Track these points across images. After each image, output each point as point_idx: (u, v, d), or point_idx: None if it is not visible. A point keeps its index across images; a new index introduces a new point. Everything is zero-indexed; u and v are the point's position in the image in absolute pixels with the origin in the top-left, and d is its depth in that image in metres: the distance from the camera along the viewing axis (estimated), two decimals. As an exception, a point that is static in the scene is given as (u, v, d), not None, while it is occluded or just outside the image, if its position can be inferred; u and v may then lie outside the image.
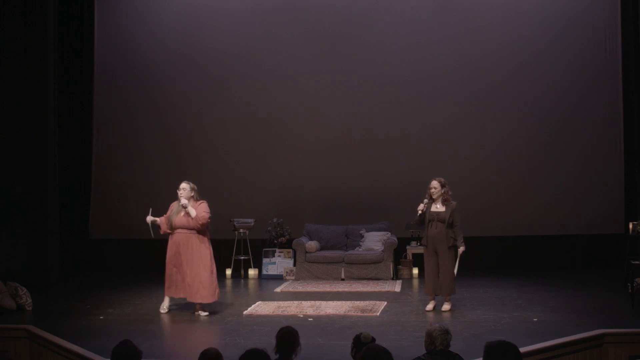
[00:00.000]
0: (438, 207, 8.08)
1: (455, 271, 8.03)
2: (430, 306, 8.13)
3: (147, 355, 5.59)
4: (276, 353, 4.54)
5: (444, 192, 8.06)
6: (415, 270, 10.76)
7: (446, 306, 8.08)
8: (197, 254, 8.06)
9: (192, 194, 8.17)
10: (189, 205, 8.05)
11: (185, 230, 8.08)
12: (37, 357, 6.72)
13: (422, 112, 11.69)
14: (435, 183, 8.13)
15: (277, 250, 11.14)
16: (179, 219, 8.12)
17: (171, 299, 8.34)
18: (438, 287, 8.07)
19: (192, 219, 8.03)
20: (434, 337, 4.62)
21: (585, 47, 11.43)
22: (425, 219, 8.09)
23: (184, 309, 8.43)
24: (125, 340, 4.39)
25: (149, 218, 8.22)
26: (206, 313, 8.09)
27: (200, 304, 8.12)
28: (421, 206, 8.09)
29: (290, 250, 11.06)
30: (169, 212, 8.23)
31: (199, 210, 8.05)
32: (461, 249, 8.02)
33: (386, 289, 9.66)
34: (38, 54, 10.26)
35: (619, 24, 11.30)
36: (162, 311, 8.21)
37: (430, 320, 7.49)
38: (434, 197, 8.10)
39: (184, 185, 8.21)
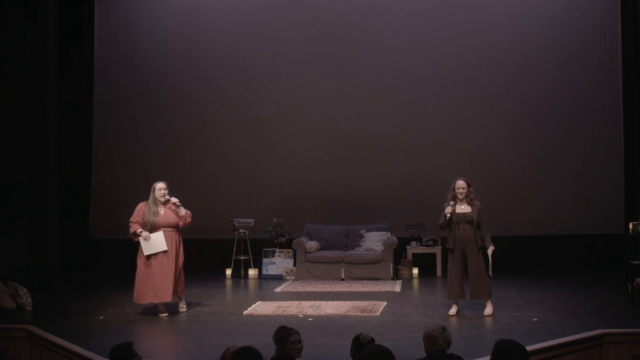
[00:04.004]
0: (463, 208, 7.75)
1: (491, 272, 7.77)
2: (453, 310, 7.84)
3: (147, 355, 5.60)
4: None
5: (470, 191, 7.76)
6: (415, 270, 10.76)
7: (489, 309, 7.76)
8: (179, 250, 8.17)
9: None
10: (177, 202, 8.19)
11: (171, 229, 8.11)
12: (37, 357, 6.72)
13: (421, 113, 11.70)
14: (462, 183, 7.75)
15: (277, 250, 11.14)
16: (166, 217, 8.09)
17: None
18: (462, 292, 7.80)
19: (181, 216, 8.13)
20: (436, 337, 4.44)
21: (585, 48, 11.44)
22: (452, 222, 7.75)
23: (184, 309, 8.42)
24: (125, 342, 4.38)
25: (146, 234, 7.99)
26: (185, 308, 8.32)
27: (181, 296, 8.28)
28: (449, 209, 7.73)
29: (290, 250, 11.06)
30: (142, 215, 8.08)
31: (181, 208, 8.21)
32: (491, 248, 7.76)
33: (386, 289, 9.66)
34: (38, 53, 10.25)
35: (619, 24, 11.31)
36: (163, 315, 8.12)
37: (454, 324, 7.40)
38: (460, 197, 7.76)
39: (164, 185, 8.16)
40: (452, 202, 7.78)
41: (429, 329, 4.53)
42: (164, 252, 8.01)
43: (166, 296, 8.01)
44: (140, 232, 8.00)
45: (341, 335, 6.76)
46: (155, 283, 7.96)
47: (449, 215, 7.73)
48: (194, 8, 12.09)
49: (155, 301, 8.03)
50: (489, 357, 5.64)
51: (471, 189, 7.80)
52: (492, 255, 7.78)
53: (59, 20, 11.06)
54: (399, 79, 11.73)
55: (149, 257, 8.00)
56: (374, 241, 10.89)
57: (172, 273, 8.03)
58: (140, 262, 8.08)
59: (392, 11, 11.76)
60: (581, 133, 11.44)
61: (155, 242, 7.97)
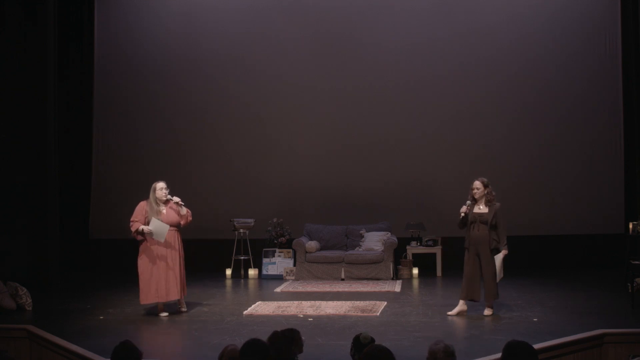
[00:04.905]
0: (481, 209, 7.75)
1: (500, 275, 7.68)
2: (455, 311, 7.77)
3: (147, 355, 5.60)
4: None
5: (487, 192, 7.76)
6: (415, 270, 10.76)
7: (488, 311, 7.73)
8: (181, 249, 8.21)
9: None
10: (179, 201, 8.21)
11: (173, 228, 8.12)
12: (37, 357, 6.71)
13: (421, 113, 11.70)
14: (477, 183, 7.80)
15: (277, 250, 11.14)
16: (169, 216, 8.10)
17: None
18: (473, 292, 7.72)
19: (183, 215, 8.15)
20: (439, 359, 4.15)
21: (585, 48, 11.44)
22: (468, 221, 7.75)
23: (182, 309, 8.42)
24: (126, 340, 4.38)
25: (147, 228, 7.99)
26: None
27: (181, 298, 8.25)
28: (464, 208, 7.77)
29: (290, 250, 11.06)
30: (144, 215, 8.07)
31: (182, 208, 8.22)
32: (503, 253, 7.67)
33: (386, 289, 9.66)
34: (38, 53, 10.26)
35: (619, 24, 11.31)
36: (163, 315, 8.12)
37: (454, 324, 7.39)
38: (476, 197, 7.78)
39: (164, 184, 8.17)
40: (467, 202, 7.83)
41: (437, 347, 4.22)
42: (166, 252, 8.02)
43: (173, 295, 8.07)
44: (142, 229, 8.02)
45: (341, 335, 6.76)
46: (161, 283, 7.99)
47: (462, 214, 7.77)
48: (194, 8, 12.09)
49: (163, 300, 8.05)
50: (489, 357, 5.68)
51: (489, 190, 7.80)
52: (502, 259, 7.68)
53: (59, 20, 11.05)
54: (399, 79, 11.72)
55: (151, 254, 8.00)
56: (374, 241, 10.89)
57: (176, 271, 8.08)
58: (142, 263, 8.07)
59: (392, 11, 11.76)
60: (581, 133, 11.44)
61: (158, 228, 7.97)
